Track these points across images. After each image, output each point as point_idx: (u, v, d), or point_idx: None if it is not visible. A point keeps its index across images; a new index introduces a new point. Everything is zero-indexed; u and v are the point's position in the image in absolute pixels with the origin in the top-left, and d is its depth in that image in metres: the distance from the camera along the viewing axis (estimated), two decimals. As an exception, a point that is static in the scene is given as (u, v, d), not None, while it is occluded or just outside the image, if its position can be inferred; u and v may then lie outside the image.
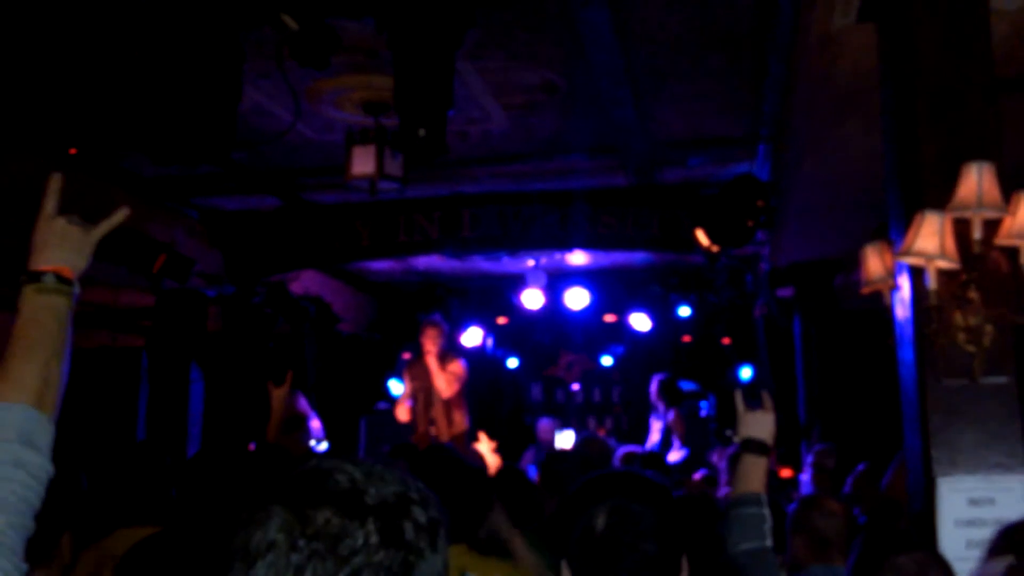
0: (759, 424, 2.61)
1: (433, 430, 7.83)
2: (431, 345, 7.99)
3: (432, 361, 7.93)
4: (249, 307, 7.99)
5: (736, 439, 2.66)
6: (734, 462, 2.76)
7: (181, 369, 7.50)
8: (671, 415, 8.71)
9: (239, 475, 3.02)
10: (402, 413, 8.08)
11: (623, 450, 6.64)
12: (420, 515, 1.16)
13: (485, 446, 6.91)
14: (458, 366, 8.08)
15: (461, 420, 8.06)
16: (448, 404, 8.02)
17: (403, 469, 1.23)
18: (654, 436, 8.67)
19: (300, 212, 7.73)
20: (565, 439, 4.96)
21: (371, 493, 1.15)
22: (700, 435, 9.56)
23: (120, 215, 1.80)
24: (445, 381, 7.92)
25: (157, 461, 3.16)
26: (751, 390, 10.04)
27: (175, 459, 6.32)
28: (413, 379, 8.14)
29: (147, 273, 6.42)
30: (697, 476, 6.30)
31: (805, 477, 6.21)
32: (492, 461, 6.14)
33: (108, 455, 3.21)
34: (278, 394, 5.45)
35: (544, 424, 8.94)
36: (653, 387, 8.84)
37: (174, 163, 5.34)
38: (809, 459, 6.05)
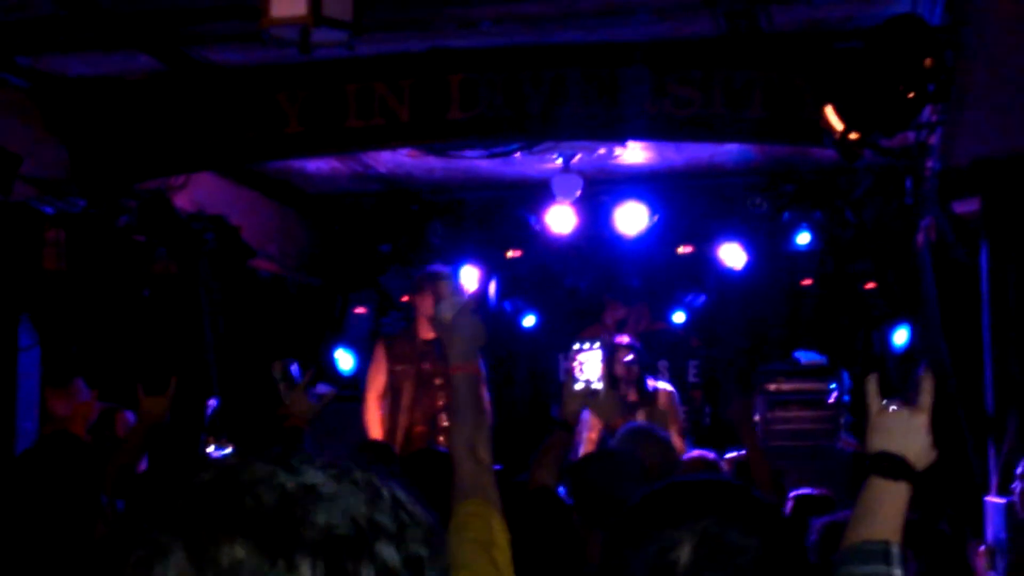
0: (901, 430, 2.59)
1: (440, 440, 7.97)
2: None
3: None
4: (110, 232, 8.00)
5: (866, 450, 2.64)
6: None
7: (4, 328, 7.53)
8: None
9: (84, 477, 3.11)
10: (374, 423, 8.17)
11: (693, 454, 6.67)
12: (389, 553, 1.20)
13: None
14: None
15: None
16: None
17: (381, 471, 1.28)
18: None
19: (189, 80, 7.73)
20: (591, 362, 4.93)
21: (312, 518, 1.18)
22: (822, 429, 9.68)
23: None
24: None
25: None
26: (902, 367, 10.09)
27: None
28: (398, 355, 8.24)
29: (-55, 177, 6.42)
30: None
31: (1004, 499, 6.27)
32: None
33: None
34: (151, 406, 5.49)
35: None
36: None
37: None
38: (1019, 469, 6.09)
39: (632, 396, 9.18)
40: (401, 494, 1.27)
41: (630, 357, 9.17)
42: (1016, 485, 6.24)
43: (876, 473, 2.55)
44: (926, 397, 2.64)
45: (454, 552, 2.77)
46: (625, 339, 9.42)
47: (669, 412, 9.16)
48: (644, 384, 9.24)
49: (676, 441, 8.91)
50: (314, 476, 1.23)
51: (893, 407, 2.62)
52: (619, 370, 9.21)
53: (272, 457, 1.25)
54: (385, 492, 1.25)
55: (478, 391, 2.94)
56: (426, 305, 8.20)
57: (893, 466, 2.54)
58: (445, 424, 8.10)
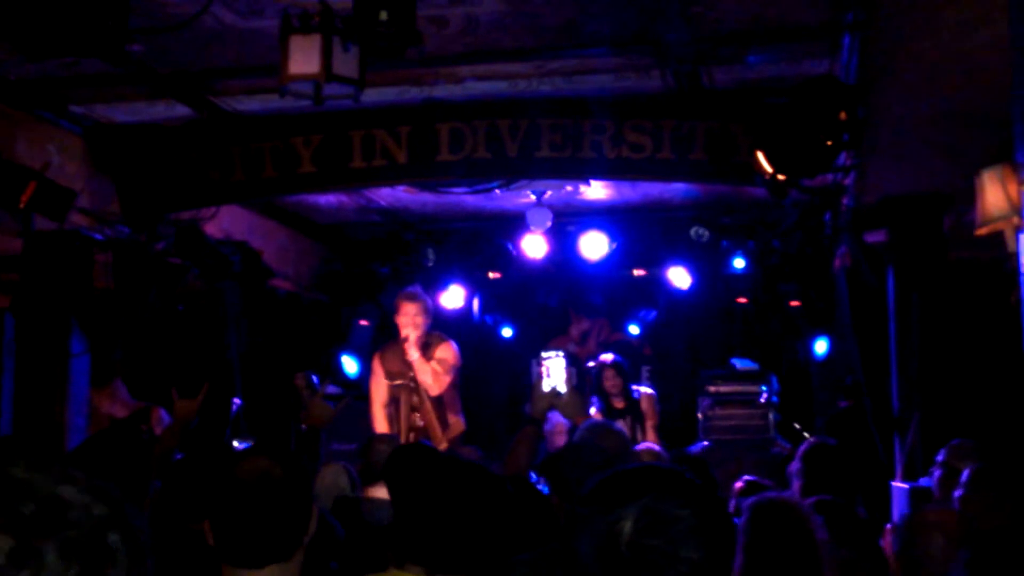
0: None
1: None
2: (411, 327, 8.07)
3: (413, 349, 8.00)
4: (150, 255, 7.99)
5: None
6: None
7: (58, 338, 7.51)
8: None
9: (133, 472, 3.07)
10: (380, 423, 8.16)
11: (643, 447, 6.70)
12: (78, 514, 1.30)
13: None
14: (449, 351, 8.16)
15: (457, 421, 8.17)
16: (440, 403, 8.11)
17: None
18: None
19: (218, 126, 7.71)
20: (556, 368, 4.94)
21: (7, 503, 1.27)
22: (755, 425, 9.72)
23: None
24: (432, 375, 8.02)
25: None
26: (822, 372, 10.08)
27: (49, 455, 6.36)
28: (391, 372, 8.21)
29: (11, 208, 6.39)
30: (738, 484, 6.41)
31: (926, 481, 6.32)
32: None
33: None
34: (184, 408, 5.47)
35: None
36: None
37: (47, 56, 5.29)
38: (940, 457, 6.13)
39: (619, 404, 9.22)
40: (91, 480, 1.35)
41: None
42: (935, 471, 6.27)
43: None
44: None
45: None
46: (609, 357, 9.44)
47: (648, 411, 9.19)
48: (630, 392, 9.28)
49: (651, 435, 8.95)
50: (20, 471, 1.32)
51: None
52: (606, 383, 9.26)
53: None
54: (77, 477, 1.34)
55: None
56: (403, 324, 8.14)
57: None
58: (430, 427, 8.09)
